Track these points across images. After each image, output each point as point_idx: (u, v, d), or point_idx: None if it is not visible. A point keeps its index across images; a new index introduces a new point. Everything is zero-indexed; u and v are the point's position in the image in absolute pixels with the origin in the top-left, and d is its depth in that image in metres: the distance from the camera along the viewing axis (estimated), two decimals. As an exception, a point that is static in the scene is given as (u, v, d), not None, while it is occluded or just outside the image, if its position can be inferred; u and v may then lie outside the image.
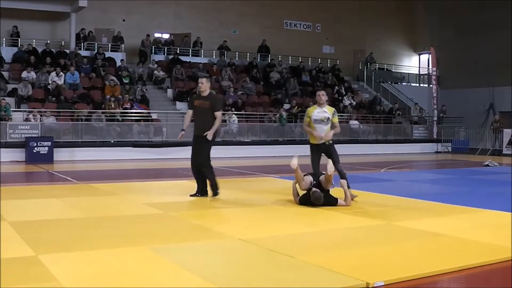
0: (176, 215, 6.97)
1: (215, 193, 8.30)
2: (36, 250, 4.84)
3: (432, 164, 18.73)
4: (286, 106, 22.30)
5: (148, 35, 23.79)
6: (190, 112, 8.44)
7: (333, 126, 8.21)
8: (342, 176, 8.03)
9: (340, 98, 24.18)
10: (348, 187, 7.86)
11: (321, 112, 8.18)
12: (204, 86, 8.26)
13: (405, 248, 5.23)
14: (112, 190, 9.23)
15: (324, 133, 8.08)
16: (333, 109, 8.38)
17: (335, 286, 3.99)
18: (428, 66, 29.95)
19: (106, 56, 22.08)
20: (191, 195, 8.38)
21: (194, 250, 5.16)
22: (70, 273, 4.23)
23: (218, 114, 8.26)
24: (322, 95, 8.27)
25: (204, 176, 8.33)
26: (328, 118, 8.13)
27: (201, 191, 8.38)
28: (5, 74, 19.61)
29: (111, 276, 4.19)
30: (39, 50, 20.94)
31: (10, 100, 17.95)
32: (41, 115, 17.21)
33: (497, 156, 20.39)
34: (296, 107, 21.72)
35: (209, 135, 8.07)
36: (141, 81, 21.42)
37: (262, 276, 4.25)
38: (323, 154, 8.24)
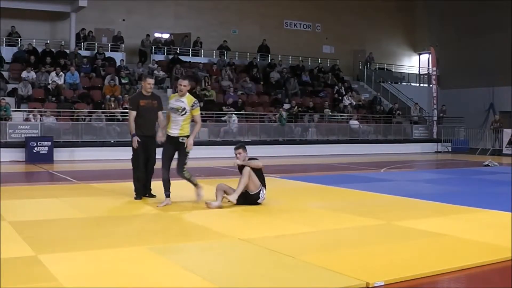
0: (176, 215, 6.97)
1: (152, 195, 8.23)
2: (36, 250, 4.84)
3: (432, 164, 18.72)
4: (286, 106, 22.28)
5: (148, 35, 23.80)
6: (134, 113, 7.92)
7: (194, 121, 7.71)
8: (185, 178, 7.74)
9: (340, 98, 24.19)
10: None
11: (178, 101, 7.61)
12: (152, 86, 8.07)
13: (405, 248, 5.23)
14: (112, 190, 9.22)
15: (179, 125, 7.57)
16: (193, 99, 7.73)
17: (335, 286, 3.99)
18: (428, 66, 29.94)
19: (106, 56, 22.08)
20: (135, 198, 8.02)
21: (194, 250, 5.16)
22: (70, 273, 4.23)
23: (161, 113, 8.17)
24: (179, 85, 7.57)
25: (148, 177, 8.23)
26: (184, 108, 7.54)
27: (146, 190, 8.24)
28: (5, 74, 19.60)
29: (111, 276, 4.20)
30: (39, 50, 20.94)
31: (10, 100, 17.94)
32: (41, 115, 17.20)
33: (497, 156, 20.38)
34: (296, 107, 21.72)
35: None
36: (141, 81, 21.37)
37: (262, 276, 4.25)
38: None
